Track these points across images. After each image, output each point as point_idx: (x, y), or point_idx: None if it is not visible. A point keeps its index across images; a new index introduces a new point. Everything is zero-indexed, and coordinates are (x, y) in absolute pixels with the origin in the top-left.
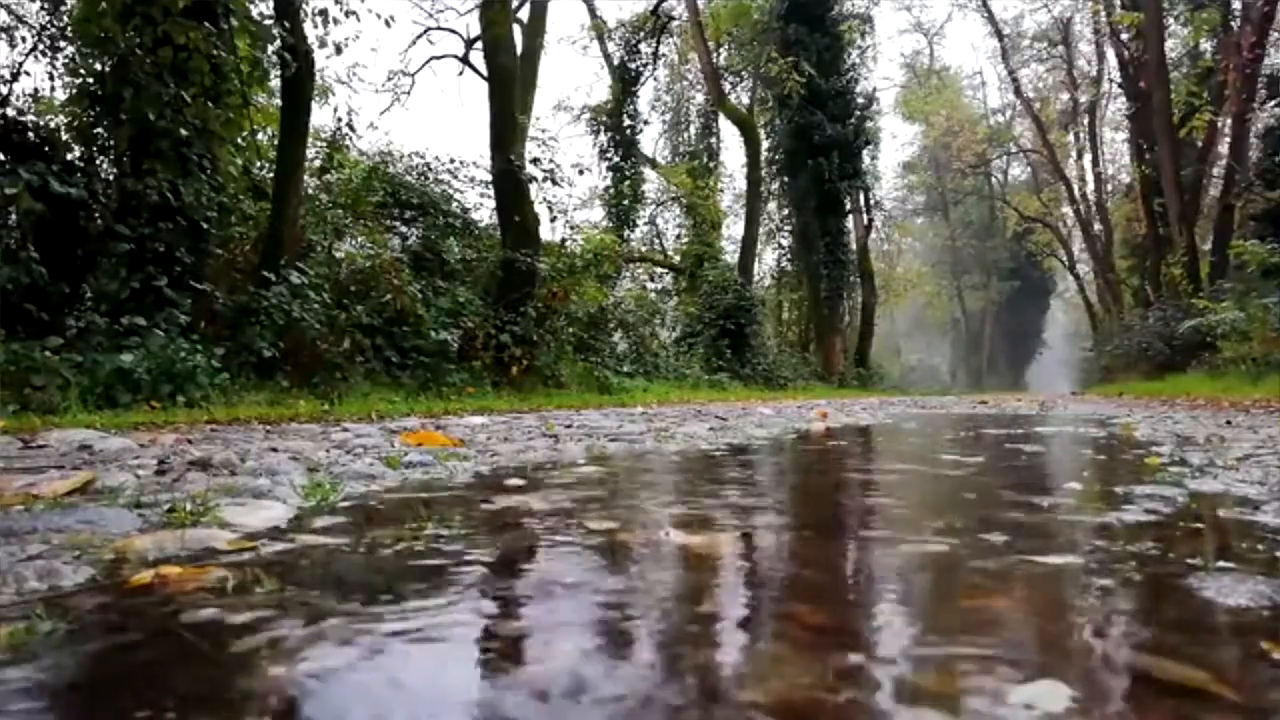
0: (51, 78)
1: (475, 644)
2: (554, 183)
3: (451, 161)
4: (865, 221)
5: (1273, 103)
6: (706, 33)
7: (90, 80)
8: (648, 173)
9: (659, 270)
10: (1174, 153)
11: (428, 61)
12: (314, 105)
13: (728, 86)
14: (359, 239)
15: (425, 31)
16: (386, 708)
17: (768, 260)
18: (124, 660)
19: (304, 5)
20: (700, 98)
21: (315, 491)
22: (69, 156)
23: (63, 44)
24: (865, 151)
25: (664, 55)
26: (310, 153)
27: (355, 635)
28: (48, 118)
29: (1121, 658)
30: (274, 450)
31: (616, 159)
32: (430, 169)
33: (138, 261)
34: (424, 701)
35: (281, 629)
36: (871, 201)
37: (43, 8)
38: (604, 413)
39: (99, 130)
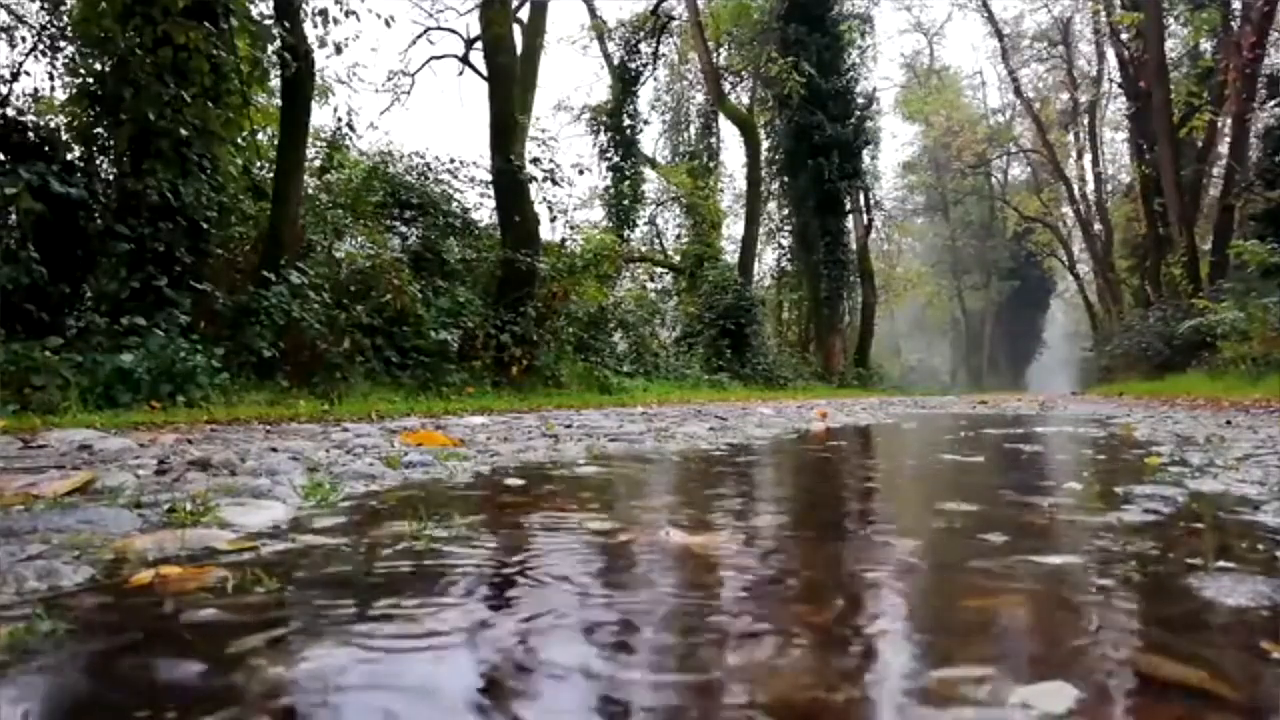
0: (51, 78)
1: (476, 644)
2: (554, 183)
3: (451, 161)
4: (865, 221)
5: (1273, 103)
6: (706, 33)
7: (90, 80)
8: (648, 173)
9: (659, 270)
10: (1174, 153)
11: (428, 61)
12: (314, 105)
13: (728, 86)
14: (359, 239)
15: (425, 31)
16: (386, 708)
17: (768, 260)
18: (124, 660)
19: (304, 5)
20: (700, 98)
21: (315, 491)
22: (69, 156)
23: (63, 44)
24: (865, 151)
25: (664, 55)
26: (310, 153)
27: (355, 635)
28: (48, 118)
29: (1122, 657)
30: (274, 450)
31: (616, 159)
32: (430, 169)
33: (138, 261)
34: (424, 702)
35: (281, 629)
36: (871, 201)
37: (43, 8)
38: (604, 413)
39: (99, 130)
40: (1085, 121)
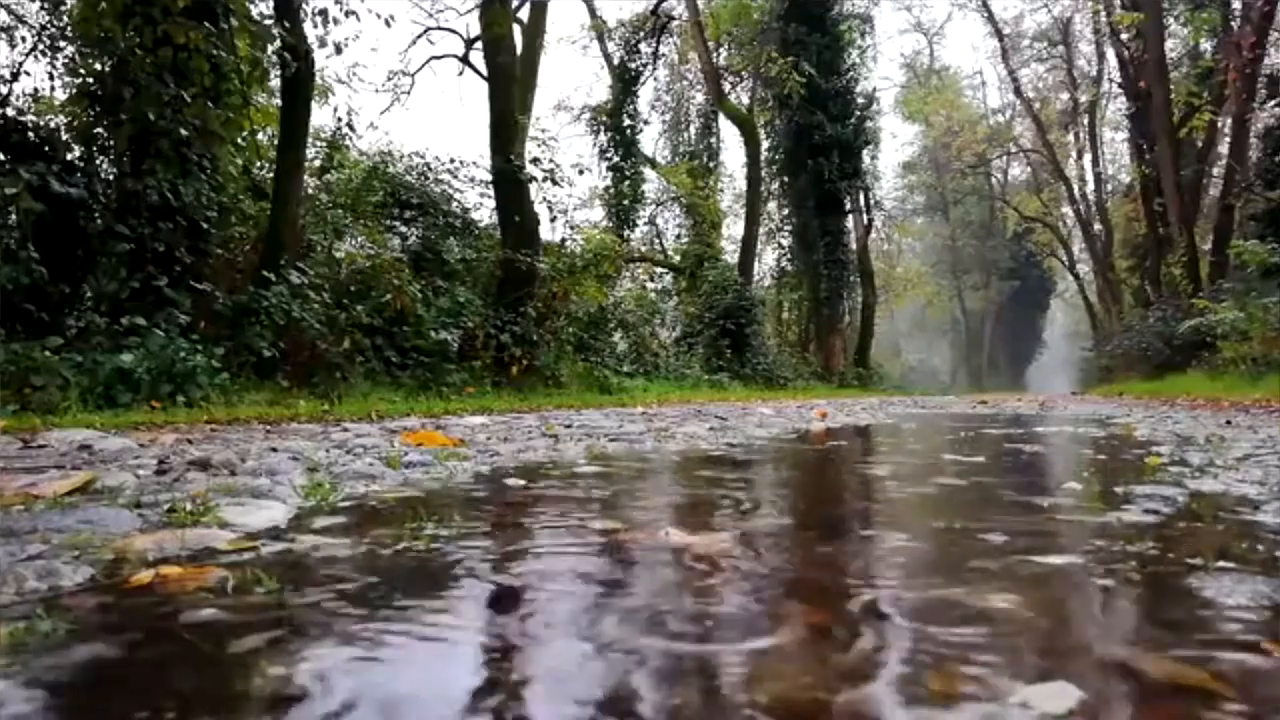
0: (51, 78)
1: (475, 644)
2: (554, 183)
3: (451, 161)
4: (865, 221)
5: (1273, 103)
6: (706, 33)
7: (90, 80)
8: (648, 173)
9: (659, 270)
10: (1174, 153)
11: (428, 61)
12: (314, 105)
13: (728, 86)
14: (359, 239)
15: (425, 31)
16: (386, 708)
17: (768, 260)
18: (124, 660)
19: (304, 5)
20: (700, 98)
21: (315, 491)
22: (69, 156)
23: (63, 44)
24: (865, 151)
25: (664, 55)
26: (310, 153)
27: (355, 635)
28: (48, 118)
29: (1122, 657)
30: (274, 450)
31: (616, 159)
32: (430, 169)
33: (138, 261)
34: (424, 701)
35: (281, 629)
36: (871, 201)
37: (43, 8)
38: (604, 413)
39: (99, 130)
40: (1085, 121)
